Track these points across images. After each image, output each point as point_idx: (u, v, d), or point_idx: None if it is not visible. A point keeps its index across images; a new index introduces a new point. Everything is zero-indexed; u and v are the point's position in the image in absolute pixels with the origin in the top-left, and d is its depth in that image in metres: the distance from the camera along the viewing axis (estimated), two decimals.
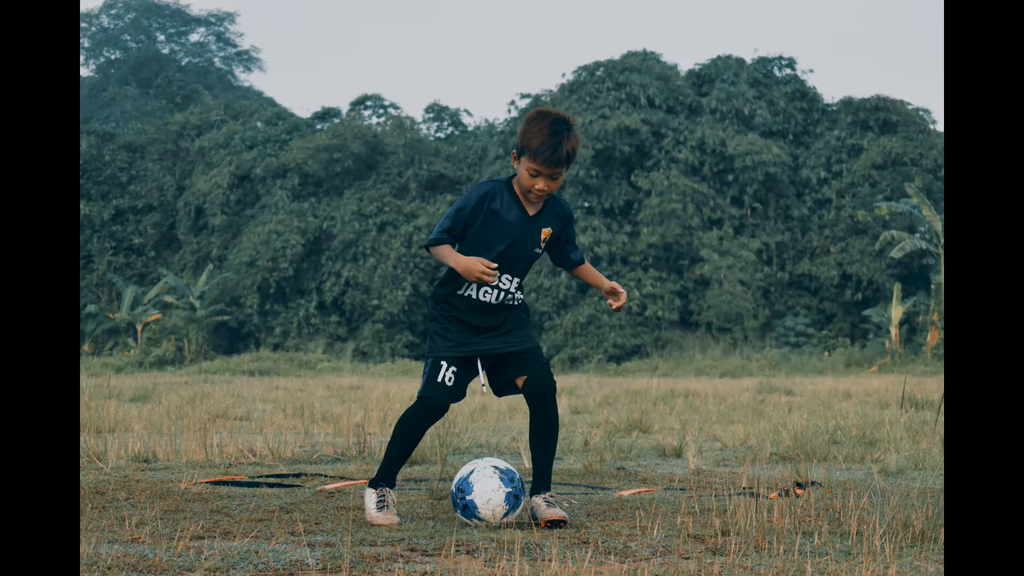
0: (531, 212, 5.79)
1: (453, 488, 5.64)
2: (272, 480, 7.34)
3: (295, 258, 42.38)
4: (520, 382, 5.79)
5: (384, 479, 5.84)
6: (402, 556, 4.69)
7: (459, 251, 5.75)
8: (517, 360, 5.80)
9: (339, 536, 5.20)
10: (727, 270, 38.81)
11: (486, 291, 5.77)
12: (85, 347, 42.85)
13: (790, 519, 5.43)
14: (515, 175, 5.79)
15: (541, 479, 5.75)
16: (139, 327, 42.80)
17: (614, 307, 5.99)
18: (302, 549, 4.82)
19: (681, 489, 6.98)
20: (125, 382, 22.64)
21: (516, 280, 5.83)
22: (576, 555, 4.66)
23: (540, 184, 5.65)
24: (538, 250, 5.84)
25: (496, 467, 5.59)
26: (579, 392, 19.07)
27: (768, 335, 39.14)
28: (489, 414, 13.13)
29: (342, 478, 7.55)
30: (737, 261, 39.13)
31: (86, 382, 21.91)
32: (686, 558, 4.68)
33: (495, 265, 5.55)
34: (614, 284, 5.98)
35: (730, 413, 13.72)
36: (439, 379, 5.78)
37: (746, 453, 9.23)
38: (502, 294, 5.80)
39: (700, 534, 5.21)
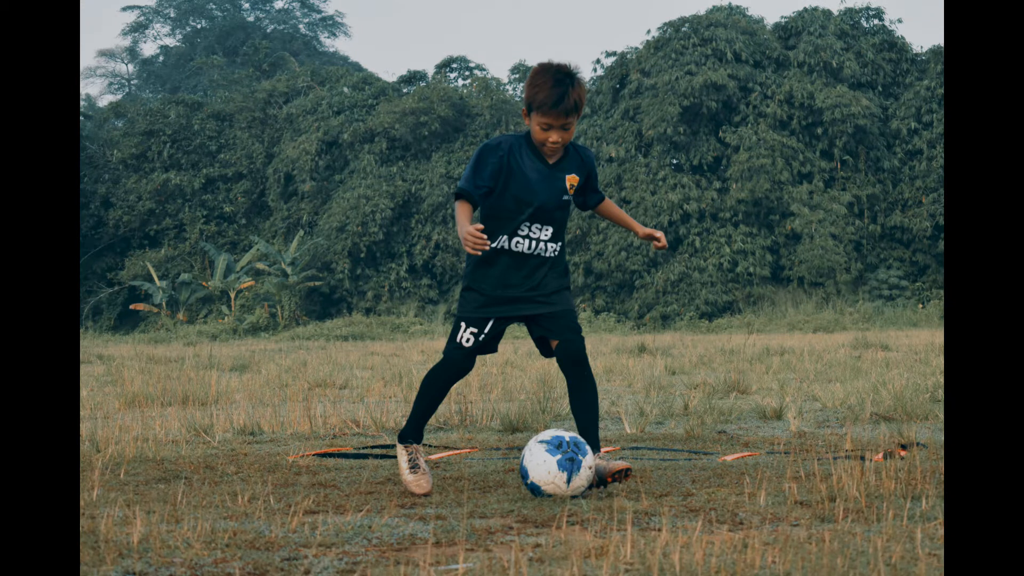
0: (551, 161, 5.87)
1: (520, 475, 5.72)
2: (378, 451, 7.41)
3: (384, 222, 42.49)
4: (553, 345, 5.90)
5: (411, 434, 6.00)
6: (513, 528, 4.74)
7: (488, 206, 5.84)
8: (550, 322, 5.89)
9: (449, 508, 5.26)
10: (818, 224, 38.49)
11: (517, 241, 5.83)
12: (180, 315, 43.24)
13: (896, 483, 5.42)
14: (529, 131, 5.86)
15: (590, 443, 5.80)
16: (232, 294, 43.15)
17: (657, 247, 6.05)
18: (415, 523, 4.88)
19: (785, 453, 6.98)
20: (223, 351, 22.87)
21: (549, 229, 5.89)
22: (686, 525, 4.69)
23: (553, 136, 5.73)
24: (566, 197, 5.91)
25: (541, 440, 5.59)
26: (673, 352, 19.05)
27: (861, 288, 38.83)
28: None
29: (447, 447, 7.62)
30: (828, 215, 38.79)
31: (185, 351, 22.18)
32: (795, 525, 4.69)
33: (485, 238, 5.51)
34: (650, 230, 6.04)
35: (827, 371, 13.67)
36: (458, 339, 5.92)
37: (847, 413, 9.21)
38: (534, 243, 5.86)
39: (807, 499, 5.22)
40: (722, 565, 3.89)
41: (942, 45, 42.59)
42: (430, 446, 7.67)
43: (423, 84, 48.30)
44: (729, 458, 6.82)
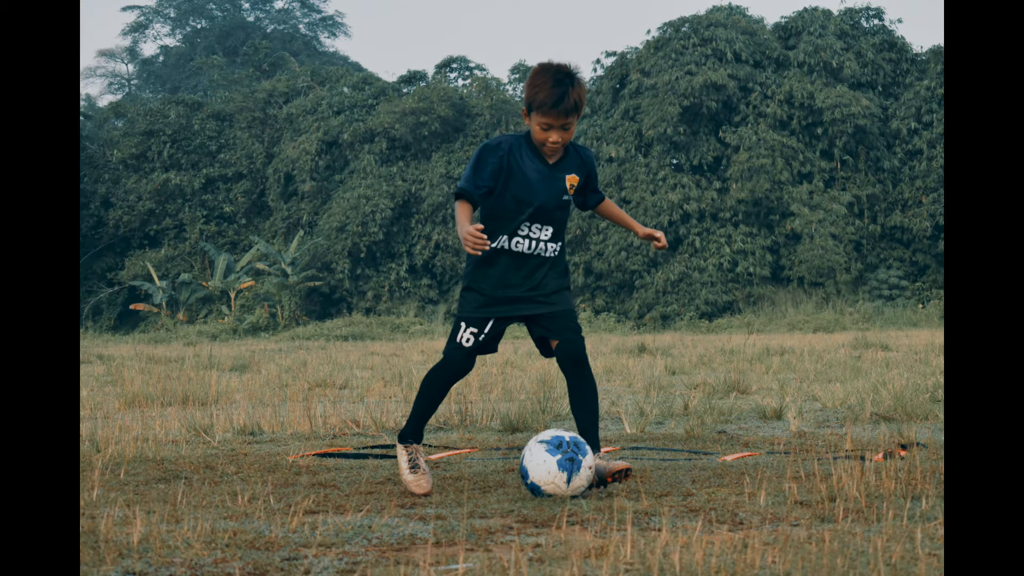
0: (551, 161, 5.89)
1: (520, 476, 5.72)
2: (378, 451, 7.41)
3: (384, 222, 42.45)
4: (553, 345, 5.91)
5: (411, 434, 6.02)
6: (513, 528, 4.74)
7: (488, 206, 5.85)
8: (550, 322, 5.90)
9: (449, 508, 5.26)
10: (818, 224, 38.47)
11: (517, 241, 5.84)
12: (180, 315, 43.20)
13: (896, 483, 5.42)
14: (529, 131, 5.86)
15: (590, 443, 5.81)
16: (232, 294, 43.12)
17: (657, 247, 6.06)
18: (415, 523, 4.88)
19: (785, 453, 6.98)
20: (223, 351, 22.85)
21: (549, 229, 5.91)
22: (686, 525, 4.69)
23: (553, 136, 5.75)
24: (566, 197, 5.92)
25: (541, 440, 5.59)
26: (673, 352, 19.05)
27: (861, 288, 38.82)
28: None
29: (447, 447, 7.62)
30: (828, 215, 38.77)
31: (185, 351, 22.17)
32: (795, 525, 4.69)
33: (485, 238, 5.52)
34: (650, 230, 6.05)
35: (827, 371, 13.67)
36: (458, 339, 5.93)
37: (847, 413, 9.21)
38: (534, 243, 5.87)
39: (807, 500, 5.22)
40: (722, 565, 3.89)
41: (942, 45, 42.60)
42: (430, 446, 7.67)
43: (423, 84, 48.26)
44: (729, 458, 6.81)
